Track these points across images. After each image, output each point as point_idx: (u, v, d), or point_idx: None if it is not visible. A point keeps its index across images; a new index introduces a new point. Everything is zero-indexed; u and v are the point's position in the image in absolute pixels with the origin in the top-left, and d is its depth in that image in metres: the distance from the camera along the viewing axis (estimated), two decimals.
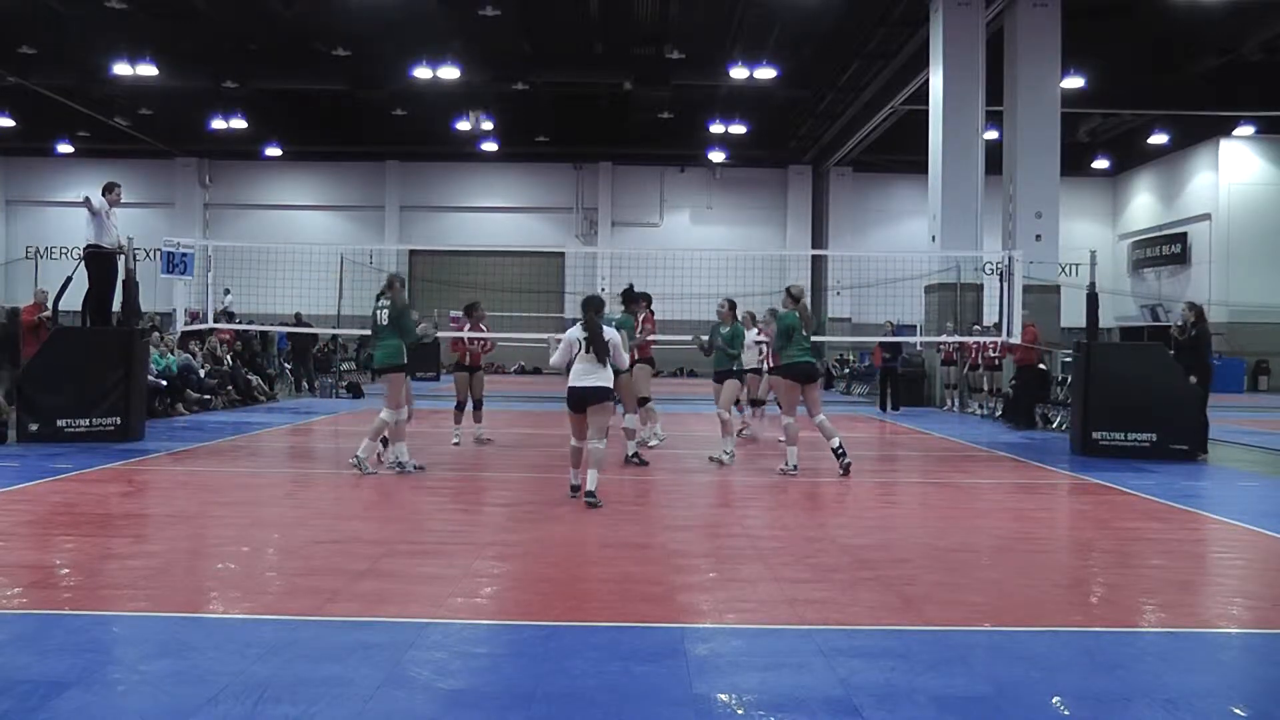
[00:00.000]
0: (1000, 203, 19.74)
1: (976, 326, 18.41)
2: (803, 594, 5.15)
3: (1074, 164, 28.42)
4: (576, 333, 7.90)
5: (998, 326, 15.25)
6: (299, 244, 26.05)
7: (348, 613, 4.66)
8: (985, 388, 17.89)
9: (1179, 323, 12.04)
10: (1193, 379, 11.41)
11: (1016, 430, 14.80)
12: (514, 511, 7.81)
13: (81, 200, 12.24)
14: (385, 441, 9.70)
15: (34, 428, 10.96)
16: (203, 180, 36.28)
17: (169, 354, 15.48)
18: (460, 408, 12.04)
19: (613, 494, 8.40)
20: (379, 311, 9.51)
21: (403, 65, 24.40)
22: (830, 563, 5.92)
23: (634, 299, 10.74)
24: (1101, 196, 36.46)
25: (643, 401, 10.99)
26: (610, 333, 7.93)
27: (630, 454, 10.17)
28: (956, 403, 19.09)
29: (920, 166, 21.25)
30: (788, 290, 9.89)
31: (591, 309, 8.00)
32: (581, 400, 7.82)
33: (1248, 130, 29.76)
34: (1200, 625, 4.87)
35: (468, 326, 12.22)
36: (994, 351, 16.97)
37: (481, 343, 12.20)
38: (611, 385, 7.94)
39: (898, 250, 29.23)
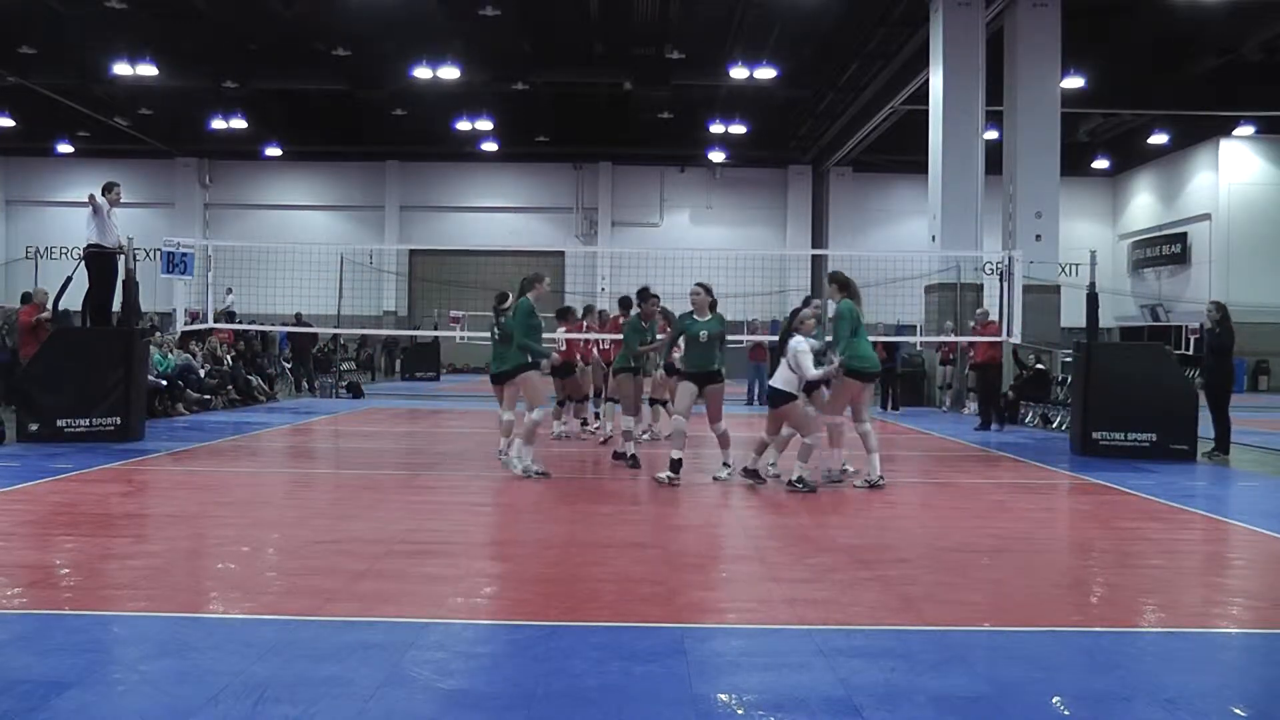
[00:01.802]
0: (1000, 203, 19.73)
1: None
2: (803, 594, 5.15)
3: (1074, 164, 28.41)
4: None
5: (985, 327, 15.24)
6: (299, 244, 26.06)
7: (348, 613, 4.66)
8: None
9: (1205, 323, 12.05)
10: (1197, 378, 11.41)
11: (992, 430, 14.57)
12: (514, 511, 7.81)
13: (86, 199, 12.23)
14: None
15: (34, 428, 10.95)
16: (203, 180, 36.29)
17: (170, 354, 15.48)
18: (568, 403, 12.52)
19: (613, 495, 8.41)
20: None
21: (403, 65, 24.42)
22: (830, 563, 5.91)
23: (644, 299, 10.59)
24: (1101, 196, 36.46)
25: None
26: (794, 341, 8.49)
27: (625, 453, 10.19)
28: (949, 402, 19.10)
29: (920, 166, 21.24)
30: (706, 288, 9.27)
31: (789, 319, 8.97)
32: (768, 399, 8.88)
33: (1248, 130, 29.76)
34: (1200, 625, 4.87)
35: (585, 327, 12.59)
36: (970, 351, 16.84)
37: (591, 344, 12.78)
38: (790, 389, 8.45)
39: (898, 250, 29.23)
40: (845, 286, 9.10)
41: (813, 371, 8.43)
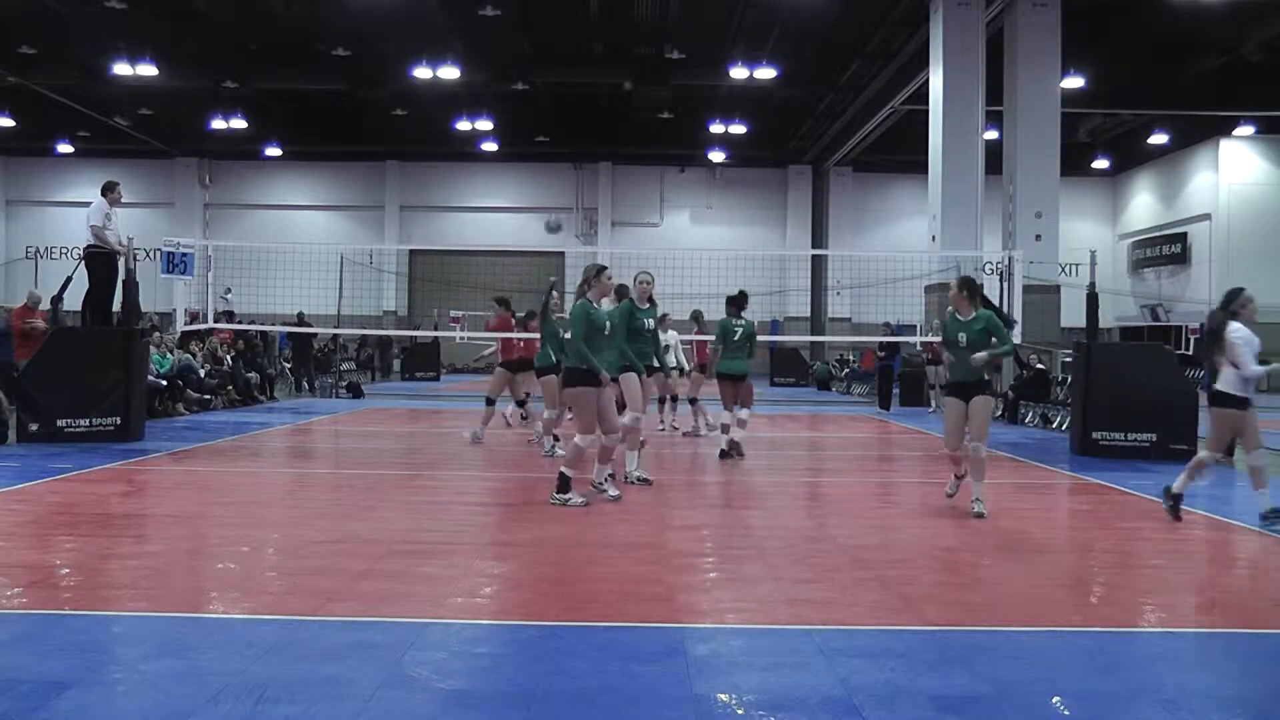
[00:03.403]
0: (1000, 203, 19.73)
1: None
2: (803, 594, 5.15)
3: (1074, 164, 28.41)
4: None
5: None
6: (299, 244, 26.07)
7: (348, 613, 4.66)
8: None
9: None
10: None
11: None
12: (514, 511, 7.81)
13: (123, 249, 11.95)
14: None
15: (34, 428, 10.95)
16: (203, 180, 36.29)
17: (169, 354, 15.47)
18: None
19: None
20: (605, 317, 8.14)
21: (403, 65, 24.41)
22: (830, 563, 5.91)
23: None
24: (1101, 196, 36.46)
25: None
26: (1233, 329, 7.09)
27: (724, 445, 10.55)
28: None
29: (920, 166, 21.25)
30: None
31: (1223, 302, 7.56)
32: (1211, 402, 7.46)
33: (1248, 130, 29.76)
34: (1200, 625, 4.87)
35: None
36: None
37: None
38: (1238, 392, 7.12)
39: (898, 250, 29.24)
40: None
41: (1253, 368, 6.98)
